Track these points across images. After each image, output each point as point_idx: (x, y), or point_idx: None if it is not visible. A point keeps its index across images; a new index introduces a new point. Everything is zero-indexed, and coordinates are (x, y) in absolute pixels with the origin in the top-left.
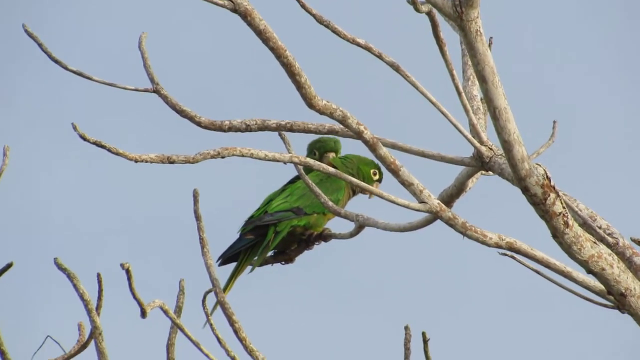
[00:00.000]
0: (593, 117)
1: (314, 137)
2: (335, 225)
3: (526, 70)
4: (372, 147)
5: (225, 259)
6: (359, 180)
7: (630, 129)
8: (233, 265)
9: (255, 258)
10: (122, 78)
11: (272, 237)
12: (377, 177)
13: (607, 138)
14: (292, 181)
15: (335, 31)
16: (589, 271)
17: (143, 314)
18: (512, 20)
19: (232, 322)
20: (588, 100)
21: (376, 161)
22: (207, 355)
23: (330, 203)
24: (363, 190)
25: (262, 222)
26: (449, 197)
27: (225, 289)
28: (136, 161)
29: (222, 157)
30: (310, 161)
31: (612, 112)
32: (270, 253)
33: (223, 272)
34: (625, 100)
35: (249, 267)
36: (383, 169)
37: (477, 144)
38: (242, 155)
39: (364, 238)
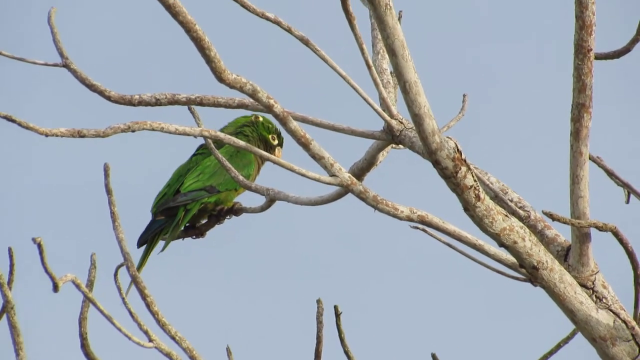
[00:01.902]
0: (505, 90)
1: (224, 111)
2: (245, 199)
3: (437, 43)
4: (282, 121)
5: (143, 242)
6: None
7: (542, 102)
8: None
9: (167, 235)
10: (32, 52)
11: (182, 215)
12: (276, 142)
13: (519, 111)
14: (199, 153)
15: (244, 5)
16: (501, 244)
17: (55, 288)
18: None
19: (144, 296)
20: (499, 74)
21: (279, 127)
22: (119, 329)
23: (241, 177)
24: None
25: (177, 203)
26: (360, 171)
27: (139, 267)
28: (47, 135)
29: (133, 131)
30: (221, 135)
31: (524, 86)
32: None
33: (140, 251)
34: (538, 72)
35: (161, 244)
36: (293, 141)
37: (388, 118)
38: (153, 129)
39: (275, 212)
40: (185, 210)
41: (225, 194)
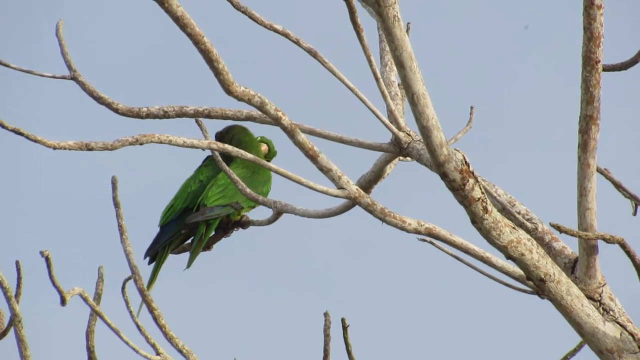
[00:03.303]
0: (512, 102)
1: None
2: (253, 212)
3: (445, 56)
4: (290, 133)
5: (153, 256)
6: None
7: (550, 114)
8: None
9: (180, 249)
10: (40, 65)
11: (204, 229)
12: (267, 152)
13: (527, 123)
14: (206, 165)
15: (252, 17)
16: (509, 257)
17: (63, 301)
18: (430, 6)
19: (151, 310)
20: (507, 86)
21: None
22: (126, 343)
23: (248, 190)
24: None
25: (205, 217)
26: (368, 183)
27: (149, 284)
28: (55, 148)
29: (141, 144)
30: (229, 147)
31: (532, 98)
32: (187, 242)
33: (146, 263)
34: (546, 84)
35: (170, 258)
36: (301, 154)
37: (395, 130)
38: (161, 142)
39: (282, 224)
40: (207, 224)
41: (244, 209)
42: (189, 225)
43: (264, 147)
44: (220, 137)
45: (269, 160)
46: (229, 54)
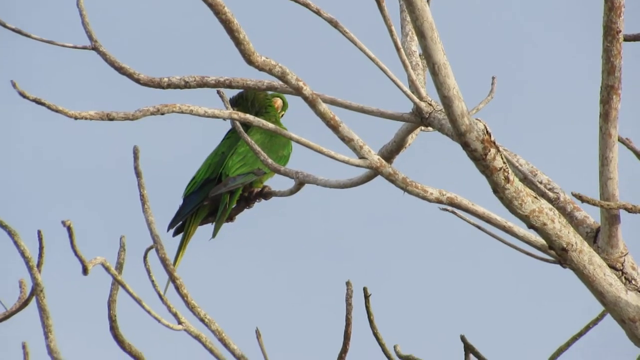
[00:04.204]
0: (534, 72)
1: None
2: (274, 182)
3: (467, 26)
4: (311, 103)
5: (177, 229)
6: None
7: (571, 84)
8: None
9: (204, 220)
10: (61, 35)
11: (228, 199)
12: (281, 106)
13: (548, 94)
14: (228, 137)
15: None
16: (530, 226)
17: (85, 270)
18: None
19: (173, 279)
20: (529, 56)
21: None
22: (148, 312)
23: (270, 160)
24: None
25: (229, 188)
26: (389, 153)
27: (177, 257)
28: (76, 118)
29: (162, 114)
30: (250, 117)
31: (553, 68)
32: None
33: (169, 236)
34: (567, 54)
35: (197, 232)
36: (322, 123)
37: (417, 100)
38: (182, 112)
39: (304, 194)
40: (230, 193)
41: (267, 176)
42: (213, 198)
43: (278, 102)
44: (236, 101)
45: (282, 114)
46: (249, 24)
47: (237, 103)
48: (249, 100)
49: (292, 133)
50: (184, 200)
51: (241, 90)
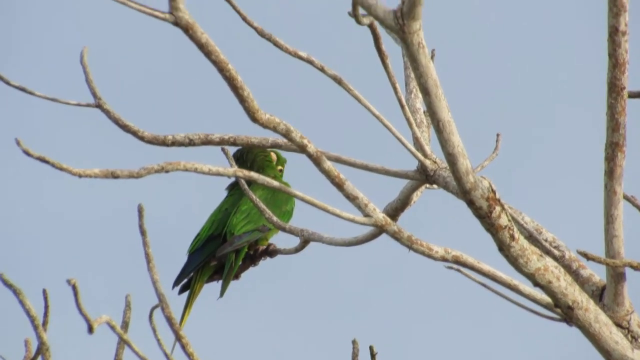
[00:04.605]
0: (538, 129)
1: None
2: (279, 240)
3: (471, 82)
4: (316, 161)
5: (183, 287)
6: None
7: (575, 141)
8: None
9: (209, 279)
10: (65, 93)
11: (234, 258)
12: (277, 159)
13: (553, 151)
14: (232, 194)
15: (277, 44)
16: (536, 284)
17: (90, 329)
18: (455, 32)
19: (179, 337)
20: (532, 113)
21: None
22: None
23: (275, 218)
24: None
25: (235, 247)
26: (394, 211)
27: (183, 315)
28: (80, 176)
29: (166, 172)
30: (254, 175)
31: (557, 125)
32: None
33: (175, 293)
34: (571, 111)
35: (203, 291)
36: (327, 181)
37: (421, 157)
38: (186, 170)
39: (309, 252)
40: (236, 252)
41: (271, 233)
42: (219, 257)
43: (273, 157)
44: (237, 159)
45: (281, 169)
46: (253, 81)
47: (238, 161)
48: (249, 160)
49: (297, 190)
50: (189, 258)
51: (240, 148)
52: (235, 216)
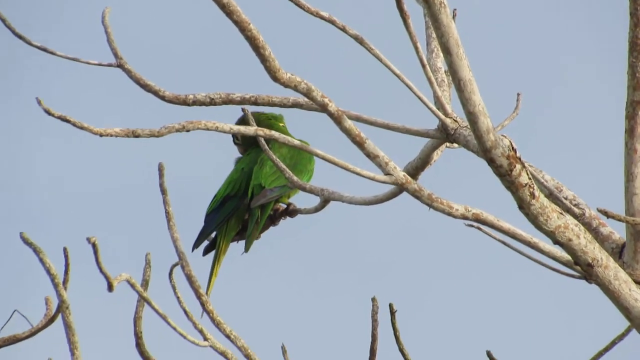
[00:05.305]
0: (559, 88)
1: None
2: (299, 200)
3: (492, 42)
4: (336, 120)
5: (205, 249)
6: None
7: (597, 99)
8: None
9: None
10: (86, 53)
11: (259, 213)
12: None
13: (574, 109)
14: (248, 152)
15: (299, 4)
16: (556, 242)
17: (110, 287)
18: None
19: (198, 296)
20: (553, 72)
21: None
22: (174, 328)
23: (295, 178)
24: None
25: (268, 199)
26: (414, 170)
27: (211, 275)
28: (101, 135)
29: (187, 131)
30: (275, 134)
31: (578, 83)
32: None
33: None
34: (592, 70)
35: (231, 250)
36: (348, 140)
37: (442, 116)
38: (207, 129)
39: (329, 211)
40: (262, 207)
41: (291, 191)
42: (250, 210)
43: (281, 124)
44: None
45: (283, 125)
46: (275, 41)
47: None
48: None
49: (317, 149)
50: (206, 219)
51: (242, 116)
52: (263, 169)
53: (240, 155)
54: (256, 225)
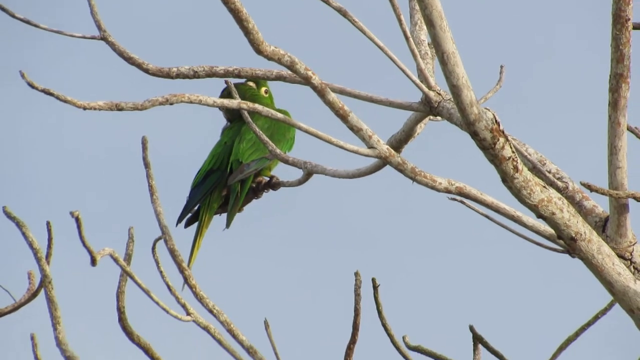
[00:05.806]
0: (542, 61)
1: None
2: (282, 172)
3: (475, 14)
4: (320, 93)
5: (187, 221)
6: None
7: (579, 72)
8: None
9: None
10: (69, 26)
11: (239, 188)
12: (264, 87)
13: (557, 82)
14: (230, 126)
15: None
16: (539, 215)
17: (93, 262)
18: None
19: (181, 270)
20: (536, 44)
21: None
22: (157, 303)
23: (278, 150)
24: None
25: (246, 174)
26: (398, 143)
27: (193, 247)
28: (85, 108)
29: (171, 104)
30: (259, 107)
31: (561, 56)
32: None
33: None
34: (575, 42)
35: (211, 224)
36: (331, 113)
37: (425, 89)
38: (191, 102)
39: (312, 184)
40: (241, 182)
41: (275, 162)
42: (229, 187)
43: (251, 84)
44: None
45: (267, 90)
46: (258, 13)
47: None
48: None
49: (301, 122)
50: (190, 193)
51: (225, 88)
52: (241, 144)
53: (228, 124)
54: (236, 201)
